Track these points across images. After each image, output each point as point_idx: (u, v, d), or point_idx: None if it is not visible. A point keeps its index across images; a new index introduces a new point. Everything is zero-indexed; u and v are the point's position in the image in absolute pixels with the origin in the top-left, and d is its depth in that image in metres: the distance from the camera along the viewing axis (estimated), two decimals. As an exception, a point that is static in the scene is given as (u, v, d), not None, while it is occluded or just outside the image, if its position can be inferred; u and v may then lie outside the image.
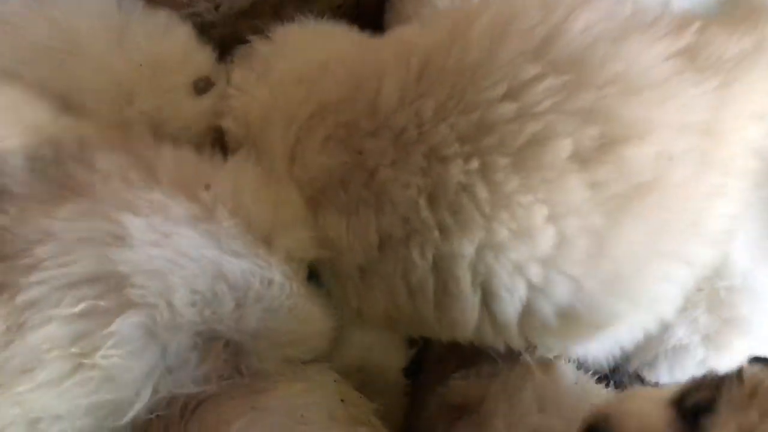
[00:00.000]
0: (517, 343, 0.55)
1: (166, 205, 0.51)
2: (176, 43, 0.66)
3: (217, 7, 0.73)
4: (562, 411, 0.51)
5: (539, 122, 0.51)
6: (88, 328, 0.47)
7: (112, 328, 0.47)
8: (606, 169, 0.50)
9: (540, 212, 0.50)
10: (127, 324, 0.47)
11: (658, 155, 0.51)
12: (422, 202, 0.52)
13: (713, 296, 0.60)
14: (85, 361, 0.46)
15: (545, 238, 0.50)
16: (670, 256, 0.53)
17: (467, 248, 0.51)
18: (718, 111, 0.53)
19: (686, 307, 0.59)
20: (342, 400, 0.52)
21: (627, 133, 0.51)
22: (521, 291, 0.52)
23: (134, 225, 0.49)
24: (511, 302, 0.52)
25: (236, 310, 0.51)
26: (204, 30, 0.70)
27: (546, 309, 0.53)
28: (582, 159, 0.50)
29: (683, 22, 0.54)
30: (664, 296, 0.55)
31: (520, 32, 0.53)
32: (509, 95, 0.51)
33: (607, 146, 0.50)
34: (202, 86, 0.64)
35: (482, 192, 0.51)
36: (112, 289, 0.47)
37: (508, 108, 0.51)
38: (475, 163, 0.51)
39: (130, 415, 0.48)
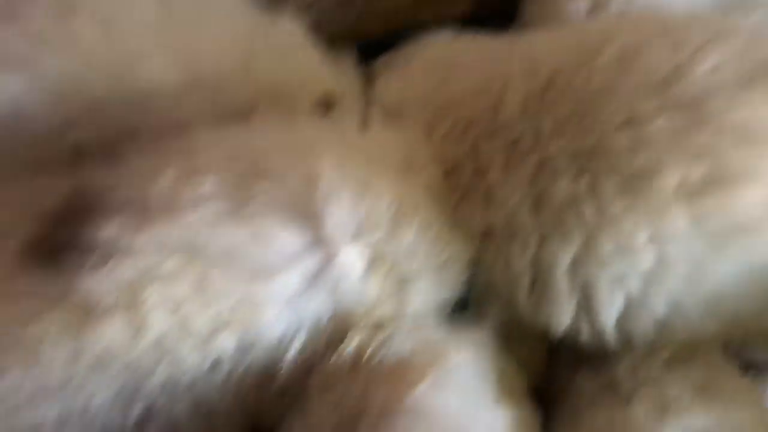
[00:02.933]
0: (614, 344, 0.57)
1: None
2: (298, 64, 0.68)
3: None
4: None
5: (651, 154, 0.53)
6: None
7: None
8: (710, 204, 0.52)
9: (642, 234, 0.53)
10: None
11: (763, 198, 0.53)
12: (526, 208, 0.55)
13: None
14: None
15: (646, 258, 0.53)
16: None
17: (565, 256, 0.54)
18: None
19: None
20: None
21: (733, 174, 0.53)
22: (619, 301, 0.55)
23: None
24: (609, 309, 0.55)
25: None
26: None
27: (645, 318, 0.55)
28: (688, 193, 0.53)
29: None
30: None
31: (645, 66, 0.55)
32: (626, 125, 0.54)
33: (713, 185, 0.52)
34: (324, 106, 0.66)
35: (588, 209, 0.54)
36: None
37: (623, 136, 0.54)
38: (584, 181, 0.54)
39: None
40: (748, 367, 0.58)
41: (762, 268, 0.54)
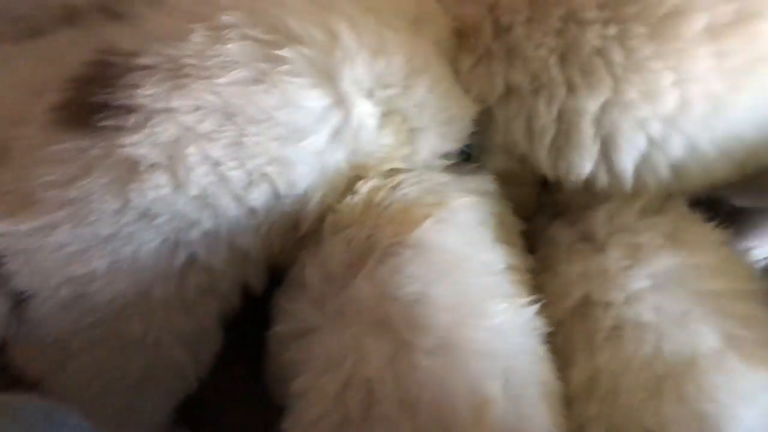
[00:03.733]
0: (629, 189, 0.60)
1: None
2: None
3: None
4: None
5: None
6: None
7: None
8: (735, 41, 0.54)
9: (668, 77, 0.55)
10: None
11: None
12: (553, 61, 0.57)
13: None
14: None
15: (669, 100, 0.55)
16: None
17: (593, 105, 0.57)
18: None
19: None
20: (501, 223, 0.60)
21: (760, 9, 0.54)
22: (641, 144, 0.58)
23: None
24: (629, 154, 0.58)
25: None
26: None
27: (661, 162, 0.58)
28: (714, 32, 0.54)
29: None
30: None
31: None
32: None
33: (739, 21, 0.54)
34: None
35: (617, 56, 0.55)
36: None
37: None
38: (613, 29, 0.55)
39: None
40: (730, 214, 0.64)
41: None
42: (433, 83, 0.59)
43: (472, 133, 0.62)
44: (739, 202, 0.67)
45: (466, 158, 0.64)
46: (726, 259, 0.59)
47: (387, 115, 0.58)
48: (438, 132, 0.60)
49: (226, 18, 0.54)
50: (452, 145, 0.62)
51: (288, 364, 0.53)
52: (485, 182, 0.62)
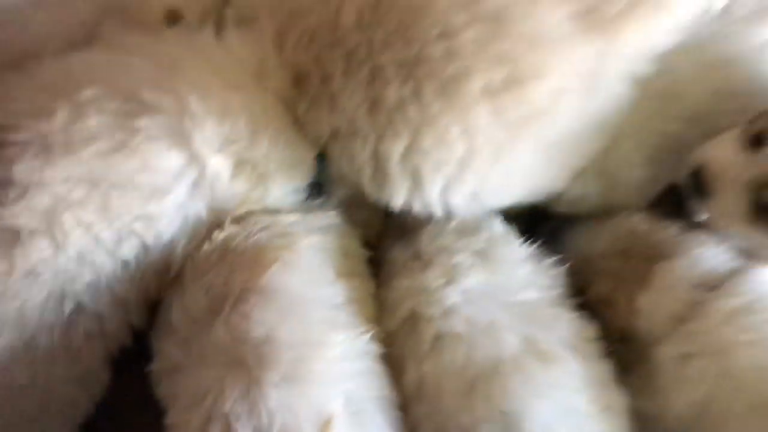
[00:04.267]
0: (441, 215, 0.72)
1: None
2: None
3: None
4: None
5: (461, 62, 0.65)
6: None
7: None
8: (508, 99, 0.65)
9: (455, 130, 0.66)
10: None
11: (551, 90, 0.67)
12: (363, 110, 0.67)
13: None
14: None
15: (459, 148, 0.66)
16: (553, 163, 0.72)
17: (398, 150, 0.67)
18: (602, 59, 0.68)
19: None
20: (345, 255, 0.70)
21: (529, 74, 0.65)
22: (441, 181, 0.69)
23: None
24: (433, 188, 0.69)
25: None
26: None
27: (461, 193, 0.70)
28: (490, 92, 0.65)
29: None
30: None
31: None
32: (441, 37, 0.65)
33: (512, 83, 0.65)
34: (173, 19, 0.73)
35: (413, 110, 0.65)
36: None
37: (439, 47, 0.65)
38: (409, 88, 0.65)
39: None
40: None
41: (548, 144, 0.70)
42: (275, 134, 0.67)
43: (319, 166, 0.72)
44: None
45: (318, 187, 0.74)
46: (530, 271, 0.70)
47: (238, 165, 0.66)
48: (284, 174, 0.69)
49: (85, 93, 0.61)
50: (299, 182, 0.70)
51: (162, 397, 0.62)
52: (331, 217, 0.72)
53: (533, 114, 0.67)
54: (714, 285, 0.67)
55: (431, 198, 0.70)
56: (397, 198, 0.70)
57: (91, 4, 0.71)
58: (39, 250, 0.59)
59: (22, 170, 0.59)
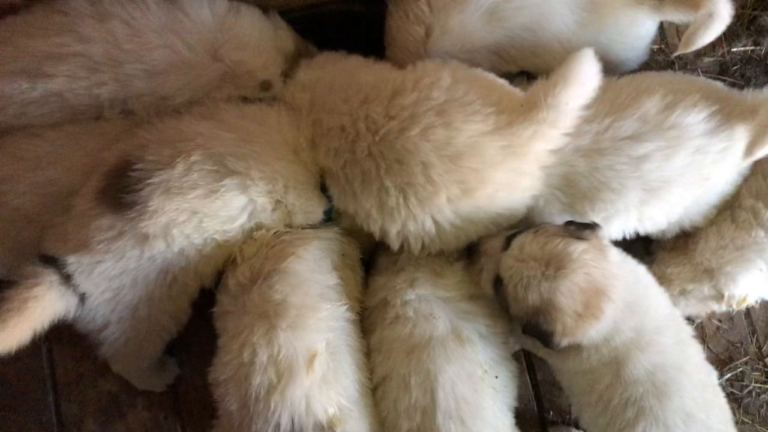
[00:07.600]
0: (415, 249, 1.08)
1: None
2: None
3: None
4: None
5: (435, 186, 1.00)
6: None
7: None
8: (465, 202, 1.01)
9: (428, 221, 1.03)
10: None
11: (495, 186, 1.01)
12: (374, 208, 1.04)
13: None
14: None
15: (431, 229, 1.03)
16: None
17: (395, 228, 1.05)
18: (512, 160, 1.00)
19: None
20: (342, 254, 1.09)
21: (475, 186, 1.00)
22: (420, 243, 1.06)
23: None
24: (417, 244, 1.06)
25: None
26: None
27: (415, 235, 1.05)
28: (452, 200, 1.01)
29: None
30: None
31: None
32: (423, 167, 1.00)
33: (467, 192, 1.00)
34: (266, 86, 1.12)
35: (403, 210, 1.02)
36: None
37: (421, 176, 1.00)
38: (402, 197, 1.02)
39: None
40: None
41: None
42: (300, 192, 1.07)
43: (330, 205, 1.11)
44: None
45: (329, 218, 1.14)
46: (460, 280, 1.08)
47: (275, 204, 1.06)
48: (304, 212, 1.09)
49: (194, 156, 1.00)
50: (315, 216, 1.10)
51: (217, 329, 1.01)
52: (333, 232, 1.11)
53: (477, 209, 1.03)
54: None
55: (414, 248, 1.08)
56: (392, 242, 1.07)
57: (217, 71, 1.10)
58: (157, 246, 1.00)
59: (154, 203, 0.98)
